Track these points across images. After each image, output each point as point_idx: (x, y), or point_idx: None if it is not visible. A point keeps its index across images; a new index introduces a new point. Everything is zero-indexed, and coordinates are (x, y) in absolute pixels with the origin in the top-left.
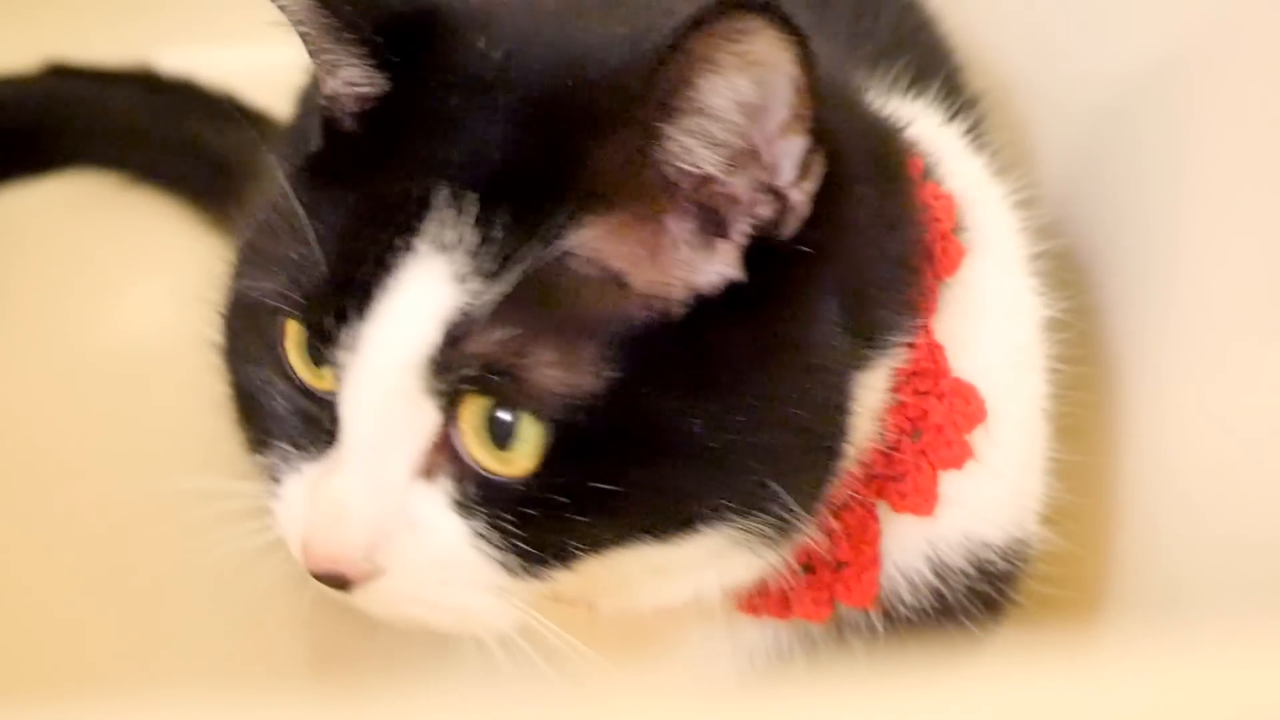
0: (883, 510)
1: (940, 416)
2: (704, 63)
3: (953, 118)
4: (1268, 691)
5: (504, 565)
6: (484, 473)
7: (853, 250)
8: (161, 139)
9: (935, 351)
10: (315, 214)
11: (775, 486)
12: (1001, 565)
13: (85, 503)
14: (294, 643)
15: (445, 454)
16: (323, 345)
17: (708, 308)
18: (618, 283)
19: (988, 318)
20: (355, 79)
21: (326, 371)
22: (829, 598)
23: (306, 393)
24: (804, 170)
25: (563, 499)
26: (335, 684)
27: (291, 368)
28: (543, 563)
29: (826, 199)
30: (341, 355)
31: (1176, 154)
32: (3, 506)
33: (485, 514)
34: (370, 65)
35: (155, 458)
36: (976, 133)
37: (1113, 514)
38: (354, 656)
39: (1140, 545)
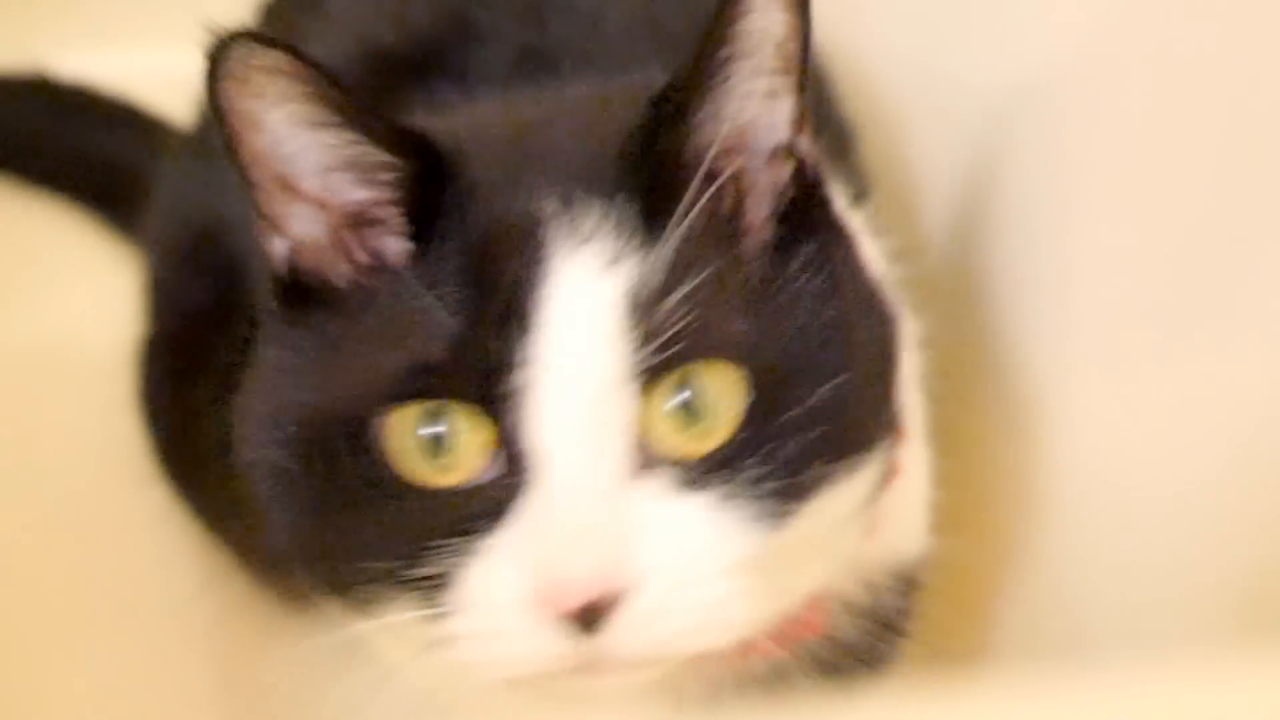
0: None
1: None
2: None
3: None
4: None
5: (754, 518)
6: (682, 459)
7: None
8: (57, 144)
9: None
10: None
11: (889, 405)
12: (917, 578)
13: None
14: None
15: (646, 452)
16: (483, 399)
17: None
18: (736, 220)
19: None
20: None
21: (460, 456)
22: (785, 629)
23: (426, 492)
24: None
25: (772, 442)
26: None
27: (402, 472)
28: (790, 496)
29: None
30: (515, 393)
31: (1061, 162)
32: None
33: (715, 482)
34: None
35: (56, 467)
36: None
37: (1011, 531)
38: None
39: (1036, 565)
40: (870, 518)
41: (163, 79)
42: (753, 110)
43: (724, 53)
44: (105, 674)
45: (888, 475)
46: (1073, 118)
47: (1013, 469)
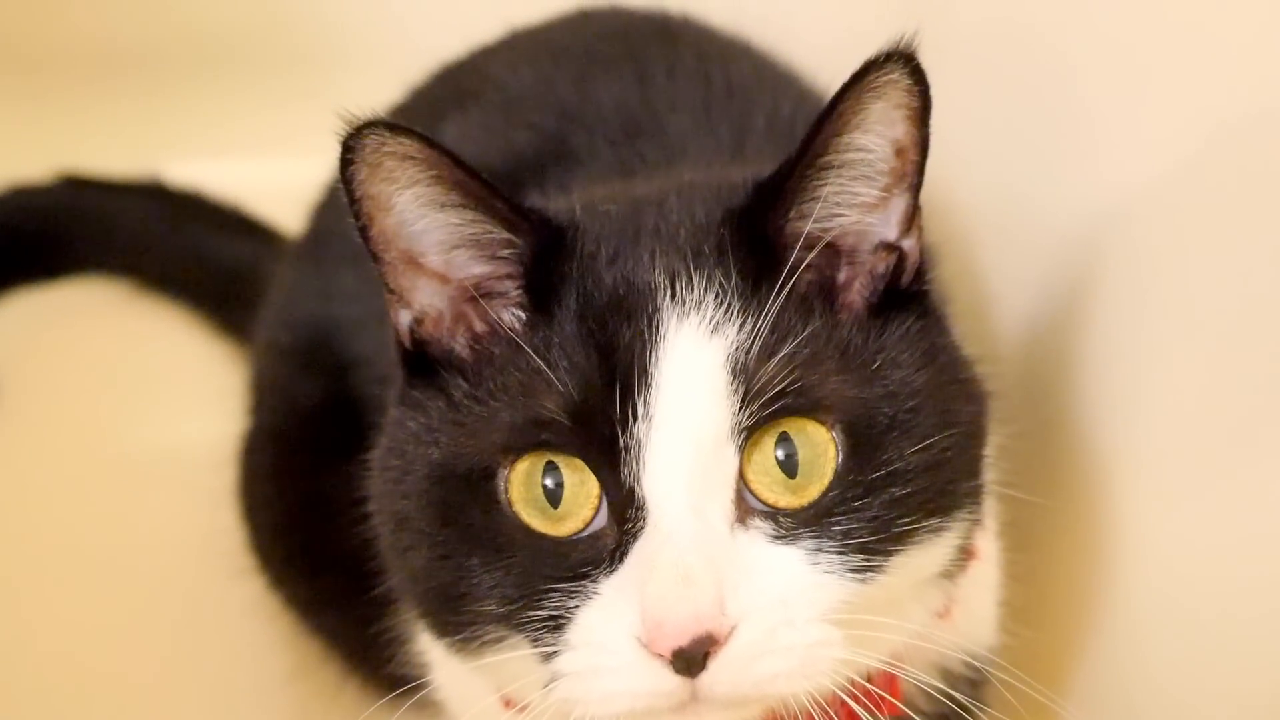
0: None
1: None
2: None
3: None
4: None
5: (844, 570)
6: (780, 510)
7: None
8: (170, 248)
9: None
10: (542, 350)
11: (976, 474)
12: (987, 671)
13: (93, 605)
14: None
15: (746, 503)
16: (597, 453)
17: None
18: (830, 284)
19: None
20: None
21: (573, 507)
22: (862, 700)
23: (544, 539)
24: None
25: (864, 498)
26: None
27: (521, 521)
28: (877, 551)
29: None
30: (627, 448)
31: (1139, 283)
32: (12, 609)
33: (807, 534)
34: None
35: (156, 557)
36: None
37: (1080, 629)
38: None
39: (1103, 664)
40: (947, 596)
41: (270, 187)
42: (856, 214)
43: (826, 160)
44: None
45: (966, 555)
46: (1152, 242)
47: (1082, 572)
